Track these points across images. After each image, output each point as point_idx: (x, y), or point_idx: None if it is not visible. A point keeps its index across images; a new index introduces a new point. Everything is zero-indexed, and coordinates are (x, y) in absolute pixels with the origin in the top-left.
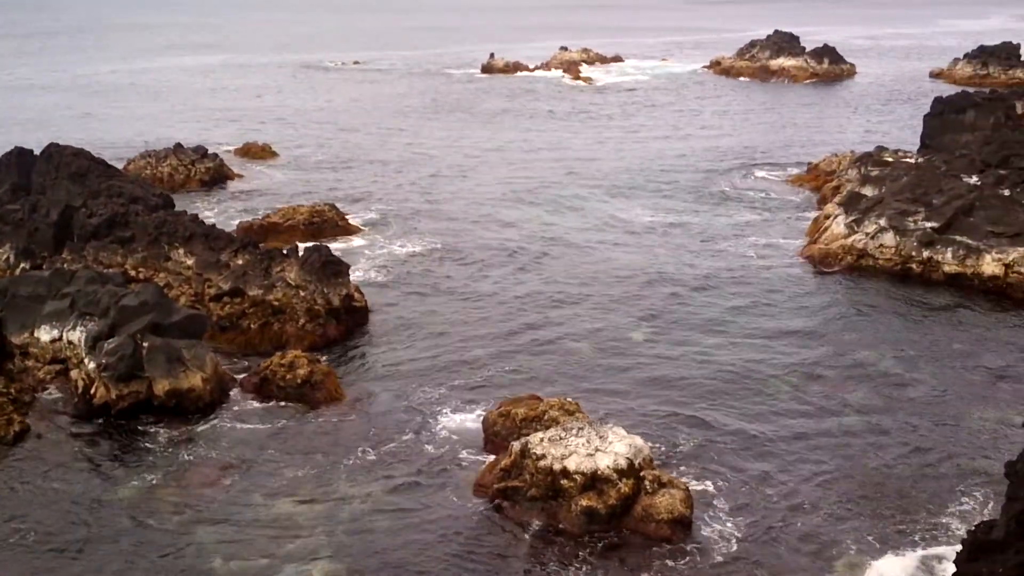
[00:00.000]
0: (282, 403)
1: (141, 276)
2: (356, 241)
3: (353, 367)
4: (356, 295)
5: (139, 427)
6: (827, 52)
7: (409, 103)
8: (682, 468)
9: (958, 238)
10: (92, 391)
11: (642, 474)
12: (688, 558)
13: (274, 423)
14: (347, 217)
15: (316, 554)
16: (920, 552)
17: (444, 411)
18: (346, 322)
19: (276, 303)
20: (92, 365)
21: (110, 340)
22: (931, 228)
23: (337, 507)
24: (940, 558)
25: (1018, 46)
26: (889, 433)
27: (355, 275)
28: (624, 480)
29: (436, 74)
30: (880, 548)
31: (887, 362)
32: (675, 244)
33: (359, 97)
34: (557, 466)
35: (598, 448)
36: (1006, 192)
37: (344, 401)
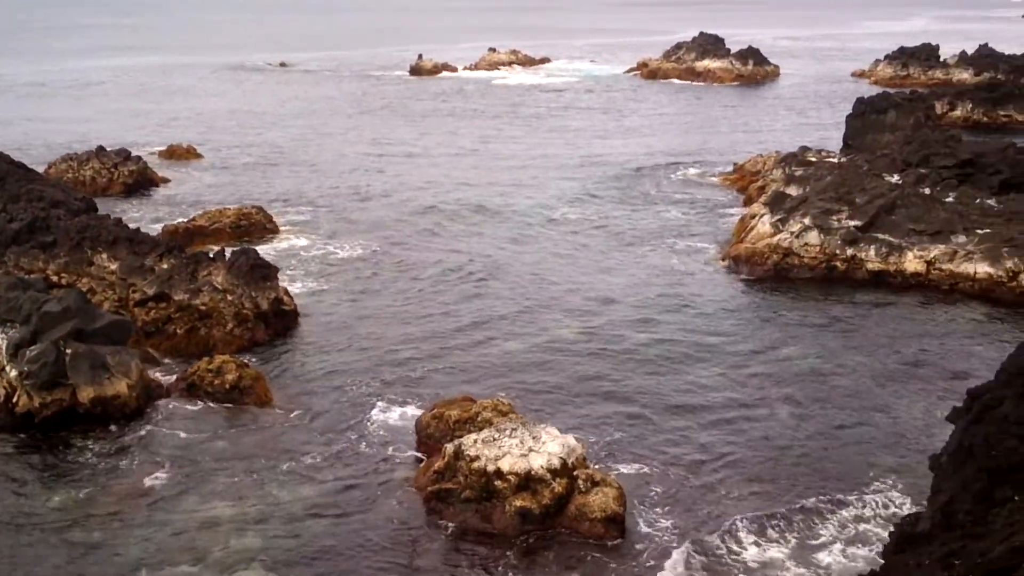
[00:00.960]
0: (210, 408)
1: (63, 282)
2: (285, 244)
3: (283, 371)
4: (285, 298)
5: (64, 436)
6: (751, 54)
7: (337, 105)
8: (616, 466)
9: (881, 236)
10: (14, 400)
11: (576, 473)
12: (622, 555)
13: (202, 429)
14: (275, 220)
15: (248, 560)
16: (847, 542)
17: (376, 414)
18: (275, 326)
19: (203, 307)
20: (14, 373)
21: (32, 347)
22: (854, 226)
23: (268, 511)
24: (868, 548)
25: (937, 47)
26: (816, 427)
27: (284, 278)
28: (558, 480)
29: (364, 75)
30: (810, 539)
31: (813, 358)
32: (603, 243)
33: (287, 99)
34: (491, 467)
35: (532, 448)
36: (926, 191)
37: (274, 405)
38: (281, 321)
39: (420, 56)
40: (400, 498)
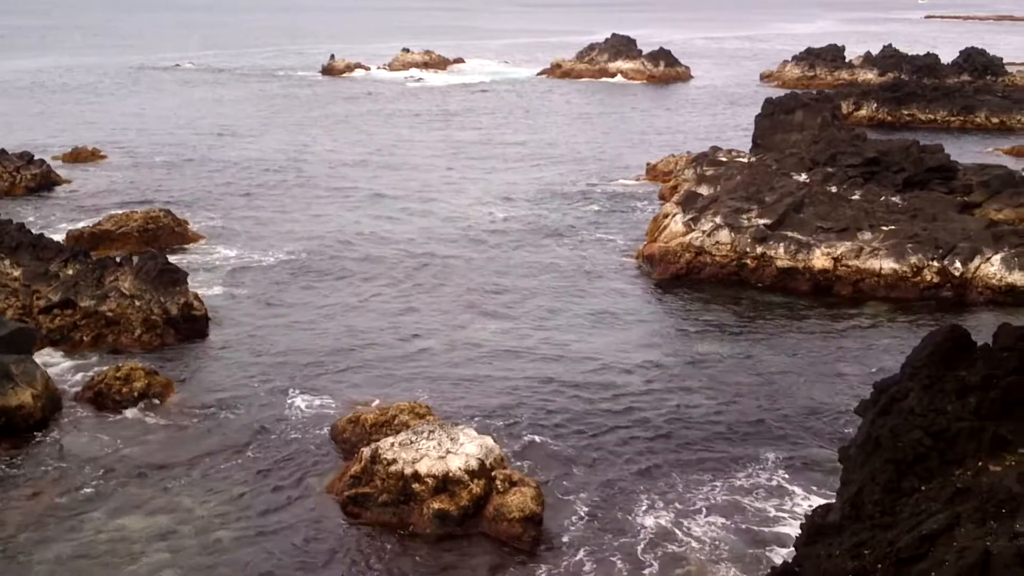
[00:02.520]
0: (119, 417)
1: None
2: (195, 247)
3: (194, 377)
4: (195, 303)
5: None
6: (663, 55)
7: (247, 105)
8: (534, 465)
9: (789, 234)
10: None
11: (493, 474)
12: (540, 555)
13: (110, 438)
14: (185, 223)
15: (160, 572)
16: (761, 533)
17: (290, 419)
18: (185, 331)
19: (110, 314)
20: None
21: None
22: (764, 225)
23: (181, 522)
24: (781, 539)
25: (843, 48)
26: (728, 422)
27: (194, 283)
28: (475, 481)
29: (274, 75)
30: (727, 531)
31: (724, 354)
32: (517, 243)
33: (195, 100)
34: (408, 470)
35: (449, 450)
36: (833, 189)
37: (185, 413)
38: (192, 326)
39: (332, 56)
40: (316, 504)
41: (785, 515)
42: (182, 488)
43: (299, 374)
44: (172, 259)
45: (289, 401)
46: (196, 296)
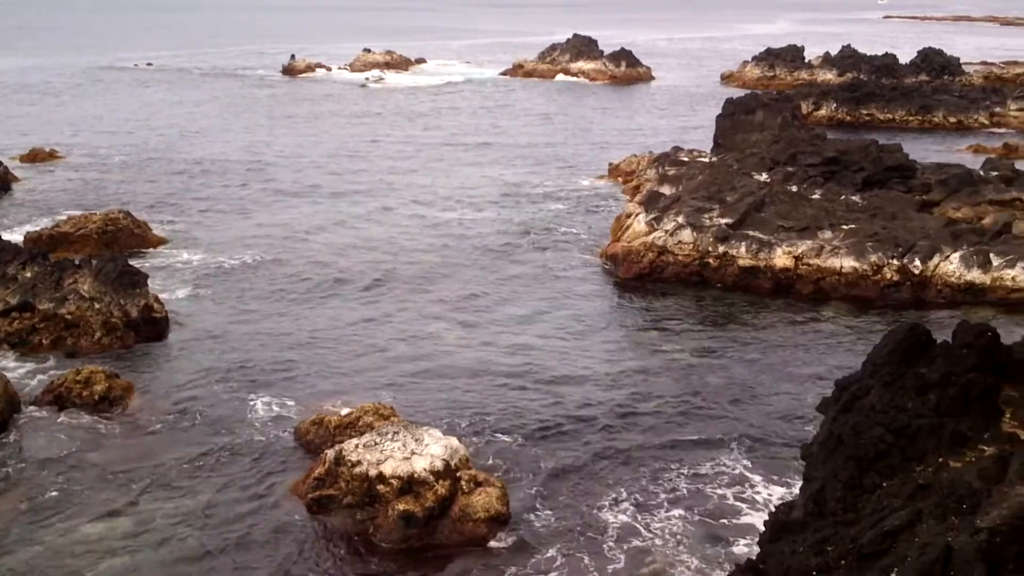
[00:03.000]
0: (79, 421)
1: None
2: (156, 250)
3: (155, 381)
4: (156, 306)
5: None
6: (624, 55)
7: (208, 106)
8: (499, 465)
9: (751, 233)
10: None
11: (459, 474)
12: (506, 554)
13: (70, 443)
14: (145, 225)
15: None
16: (725, 529)
17: (253, 422)
18: (146, 334)
19: (69, 316)
20: None
21: None
22: (726, 224)
23: (141, 527)
24: (746, 535)
25: (802, 49)
26: (692, 420)
27: (156, 285)
28: (441, 482)
29: (235, 75)
30: (685, 540)
31: (688, 352)
32: (481, 244)
33: (156, 100)
34: (373, 472)
35: (414, 451)
36: (794, 188)
37: (146, 416)
38: (153, 329)
39: (293, 56)
40: (280, 506)
41: (749, 510)
42: (143, 492)
43: (262, 376)
44: (133, 262)
45: (252, 403)
46: (156, 298)
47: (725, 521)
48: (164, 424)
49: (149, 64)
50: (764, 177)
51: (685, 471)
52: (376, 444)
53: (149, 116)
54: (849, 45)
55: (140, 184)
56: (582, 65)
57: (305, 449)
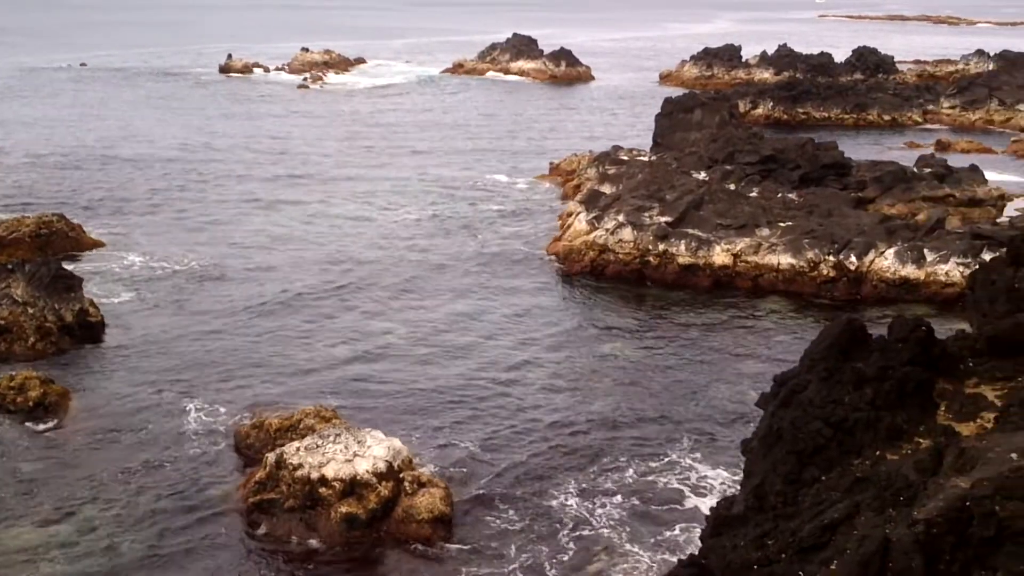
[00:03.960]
0: (13, 427)
1: None
2: (92, 254)
3: (92, 386)
4: (91, 310)
5: None
6: (564, 55)
7: (145, 106)
8: (444, 465)
9: (690, 231)
10: None
11: (401, 475)
12: (449, 555)
13: (5, 448)
14: (80, 228)
15: None
16: (663, 530)
17: (192, 426)
18: (81, 339)
19: (2, 322)
20: None
21: None
22: (665, 222)
23: (79, 534)
24: (688, 530)
25: (739, 48)
26: (635, 417)
27: (92, 289)
28: (383, 483)
29: (172, 75)
30: (626, 529)
31: (630, 350)
32: (423, 244)
33: (91, 100)
34: (315, 475)
35: (356, 453)
36: (732, 186)
37: (82, 422)
38: (88, 334)
39: (229, 56)
40: (220, 512)
41: (694, 505)
42: (80, 499)
43: (201, 381)
44: (68, 265)
45: (191, 407)
46: (92, 303)
47: (671, 515)
48: (101, 430)
49: (83, 64)
50: (703, 175)
51: (630, 467)
52: (318, 447)
53: (85, 117)
54: (785, 44)
55: (75, 186)
56: (522, 64)
57: (245, 453)
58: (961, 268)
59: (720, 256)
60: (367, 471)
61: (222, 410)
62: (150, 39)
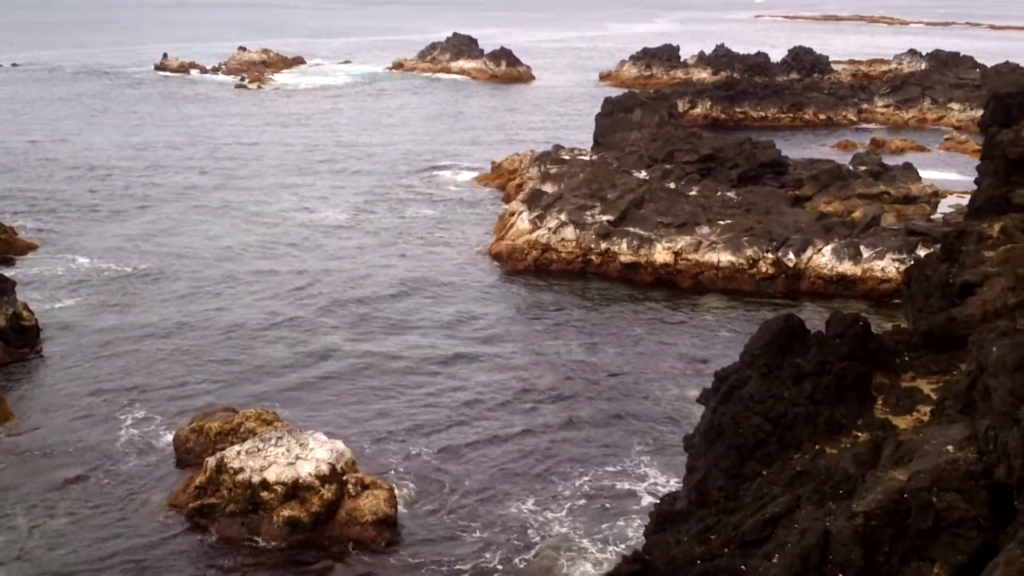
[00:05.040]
0: None
1: None
2: (26, 257)
3: (26, 391)
4: (25, 314)
5: None
6: (504, 55)
7: (79, 105)
8: (387, 467)
9: (632, 229)
10: None
11: (345, 478)
12: (393, 557)
13: None
14: (11, 231)
15: None
16: (612, 526)
17: (130, 431)
18: (15, 343)
19: None
20: None
21: None
22: (607, 221)
23: (15, 541)
24: (635, 525)
25: (678, 48)
26: (578, 415)
27: (25, 293)
28: (327, 486)
29: (106, 74)
30: (575, 526)
31: (573, 349)
32: (365, 245)
33: (23, 99)
34: (256, 478)
35: (299, 456)
36: (672, 185)
37: (17, 429)
38: (22, 338)
39: (165, 55)
40: (160, 518)
41: (637, 501)
42: (16, 508)
43: (138, 384)
44: (0, 267)
45: (130, 414)
46: (25, 306)
47: (616, 512)
48: (38, 438)
49: (15, 65)
50: (643, 175)
51: (577, 466)
52: (259, 450)
53: (15, 117)
54: (723, 45)
55: (6, 188)
56: (463, 64)
57: (185, 458)
58: (896, 264)
59: (661, 254)
60: (310, 474)
61: (161, 415)
62: (84, 38)
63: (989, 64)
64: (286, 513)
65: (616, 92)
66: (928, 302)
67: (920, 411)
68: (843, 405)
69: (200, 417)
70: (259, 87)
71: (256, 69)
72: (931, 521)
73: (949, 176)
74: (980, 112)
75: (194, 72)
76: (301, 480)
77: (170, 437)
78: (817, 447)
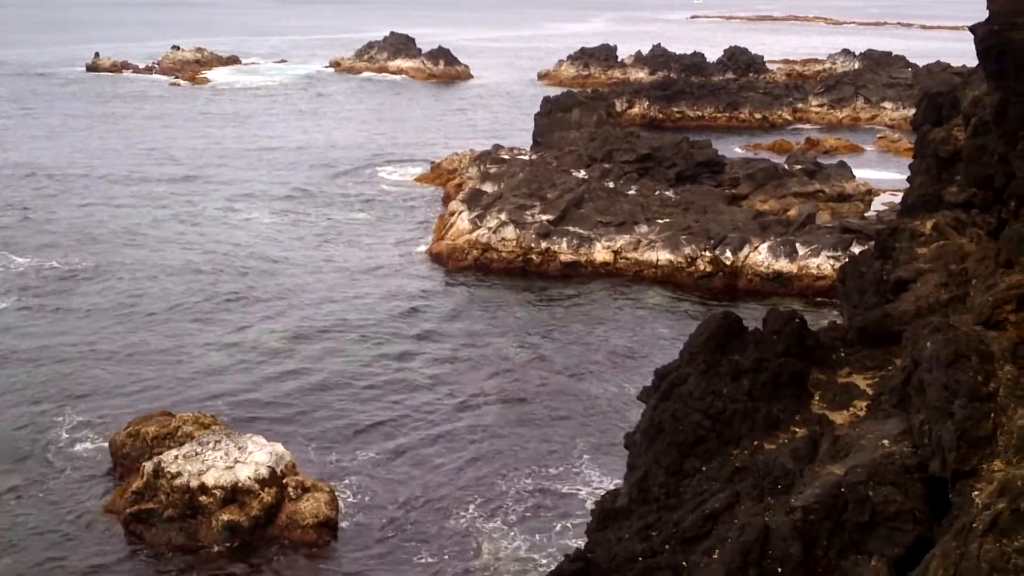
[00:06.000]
0: None
1: None
2: None
3: None
4: None
5: None
6: (443, 54)
7: (5, 104)
8: (328, 469)
9: (572, 229)
10: None
11: (285, 481)
12: (335, 560)
13: None
14: None
15: None
16: (556, 526)
17: (64, 436)
18: None
19: None
20: None
21: None
22: (547, 220)
23: None
24: (577, 524)
25: (615, 48)
26: (522, 414)
27: None
28: (266, 489)
29: (37, 74)
30: (520, 528)
31: (515, 349)
32: (302, 246)
33: None
34: (194, 483)
35: (237, 460)
36: (611, 184)
37: None
38: None
39: (97, 54)
40: (96, 524)
41: (579, 502)
42: None
43: (71, 389)
44: None
45: (61, 418)
46: None
47: (559, 512)
48: None
49: None
50: (582, 174)
51: (520, 466)
52: (197, 454)
53: None
54: (659, 45)
55: None
56: (401, 63)
57: (122, 463)
58: (832, 261)
59: (601, 253)
60: (249, 477)
61: (97, 419)
62: (11, 37)
63: (921, 64)
64: (225, 517)
65: (555, 91)
66: (863, 298)
67: (856, 406)
68: (781, 401)
69: (136, 422)
70: (193, 86)
71: (190, 68)
72: (868, 515)
73: (882, 175)
74: (912, 111)
75: (127, 72)
76: (240, 484)
77: (105, 441)
78: (756, 443)
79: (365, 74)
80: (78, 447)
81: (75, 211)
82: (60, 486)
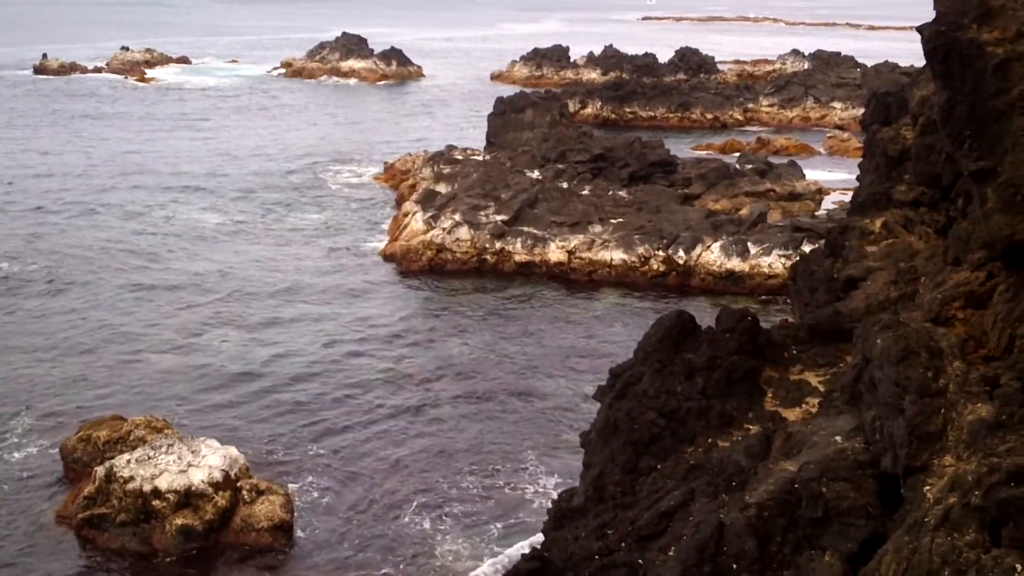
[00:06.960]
0: None
1: None
2: None
3: None
4: None
5: None
6: (395, 54)
7: None
8: (283, 472)
9: (526, 229)
10: None
11: (239, 484)
12: (290, 563)
13: None
14: None
15: None
16: (513, 519)
17: (11, 442)
18: None
19: None
20: None
21: None
22: (501, 221)
23: None
24: (533, 524)
25: (567, 48)
26: (477, 415)
27: None
28: (220, 493)
29: None
30: (475, 530)
31: (471, 349)
32: (254, 249)
33: None
34: (147, 487)
35: (191, 463)
36: (564, 184)
37: None
38: None
39: (45, 55)
40: (46, 530)
41: (539, 501)
42: None
43: (19, 394)
44: None
45: (9, 423)
46: None
47: (516, 513)
48: None
49: None
50: (536, 174)
51: (476, 469)
52: (150, 458)
53: None
54: (611, 45)
55: None
56: (352, 64)
57: (73, 468)
58: (783, 260)
59: (555, 253)
60: (202, 481)
61: (46, 423)
62: None
63: (869, 64)
64: (179, 522)
65: (508, 91)
66: (814, 296)
67: (808, 403)
68: (734, 399)
69: (87, 426)
70: (142, 88)
71: (140, 69)
72: (821, 511)
73: (832, 174)
74: (861, 111)
75: (75, 73)
76: (194, 488)
77: (55, 446)
78: (710, 440)
79: (317, 74)
80: (28, 452)
81: (22, 215)
82: (10, 492)
